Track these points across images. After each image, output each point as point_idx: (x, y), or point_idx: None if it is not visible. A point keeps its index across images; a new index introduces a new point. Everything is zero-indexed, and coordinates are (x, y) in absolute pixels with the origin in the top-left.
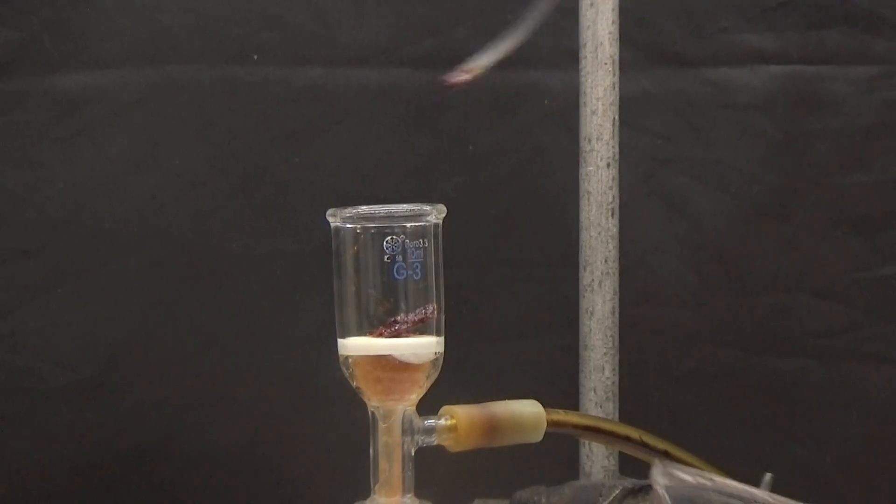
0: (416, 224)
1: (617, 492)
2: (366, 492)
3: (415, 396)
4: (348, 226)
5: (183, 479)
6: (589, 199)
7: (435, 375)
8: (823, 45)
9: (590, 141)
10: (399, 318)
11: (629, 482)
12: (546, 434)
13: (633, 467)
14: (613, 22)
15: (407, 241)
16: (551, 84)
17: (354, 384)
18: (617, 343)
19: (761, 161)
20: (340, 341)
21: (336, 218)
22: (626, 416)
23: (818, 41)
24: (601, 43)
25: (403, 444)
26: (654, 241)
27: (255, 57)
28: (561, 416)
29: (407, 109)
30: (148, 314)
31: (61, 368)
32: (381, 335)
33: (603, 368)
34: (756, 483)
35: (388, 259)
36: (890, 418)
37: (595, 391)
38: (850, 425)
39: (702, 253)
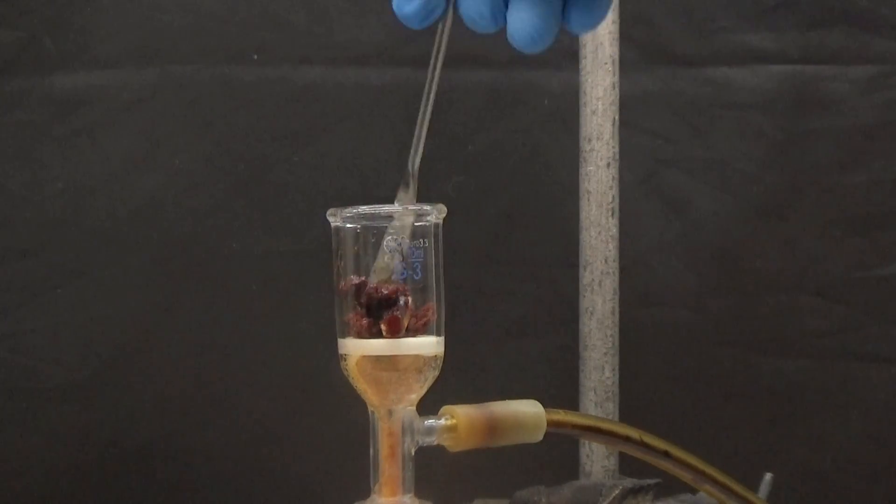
0: (417, 224)
1: (617, 492)
2: (366, 492)
3: (415, 396)
4: (348, 226)
5: (183, 479)
6: (589, 199)
7: (435, 375)
8: (823, 45)
9: (590, 141)
10: None
11: (629, 482)
12: (546, 434)
13: (633, 467)
14: (613, 22)
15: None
16: (551, 84)
17: (354, 384)
18: (617, 343)
19: (761, 161)
20: (340, 341)
21: (336, 218)
22: (626, 416)
23: (818, 41)
24: (601, 43)
25: (403, 444)
26: (654, 241)
27: (255, 57)
28: (561, 416)
29: (407, 109)
30: (148, 314)
31: (61, 368)
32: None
33: (603, 368)
34: (756, 483)
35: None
36: (890, 418)
37: (595, 391)
38: (850, 425)
39: (702, 253)
